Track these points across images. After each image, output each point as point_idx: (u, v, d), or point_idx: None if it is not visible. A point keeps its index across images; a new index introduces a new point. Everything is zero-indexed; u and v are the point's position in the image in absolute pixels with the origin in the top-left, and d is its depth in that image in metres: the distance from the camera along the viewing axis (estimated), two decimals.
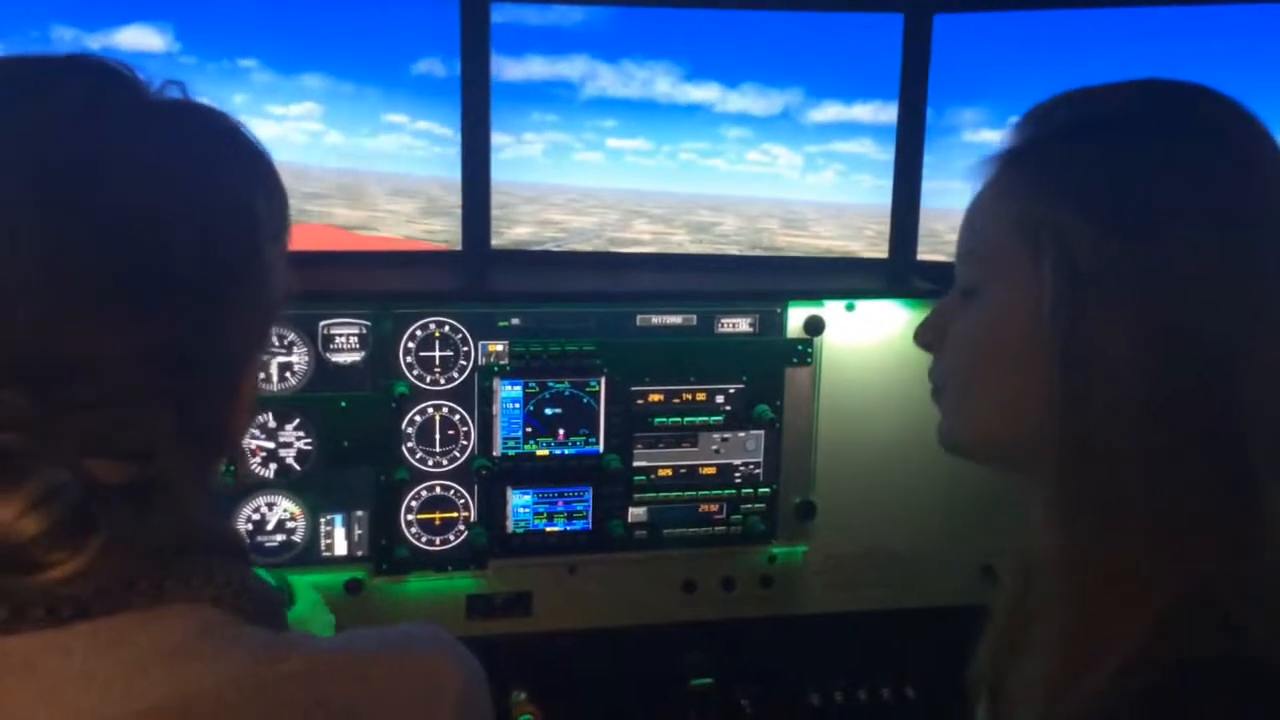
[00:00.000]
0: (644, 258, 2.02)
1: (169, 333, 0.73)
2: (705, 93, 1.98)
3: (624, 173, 2.00)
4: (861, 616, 1.95)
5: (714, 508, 1.88)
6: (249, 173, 0.82)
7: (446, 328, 1.75)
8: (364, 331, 1.72)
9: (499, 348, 1.77)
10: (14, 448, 0.66)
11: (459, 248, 1.96)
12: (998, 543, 0.93)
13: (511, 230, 1.99)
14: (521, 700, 1.78)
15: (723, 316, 1.84)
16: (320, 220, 1.91)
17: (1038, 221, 0.83)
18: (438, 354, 1.75)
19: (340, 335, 1.71)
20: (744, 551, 1.90)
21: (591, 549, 1.84)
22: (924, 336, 0.99)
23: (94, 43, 1.69)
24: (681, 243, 2.04)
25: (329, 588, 1.73)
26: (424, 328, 1.74)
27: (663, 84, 1.96)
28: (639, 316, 1.81)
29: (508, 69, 1.92)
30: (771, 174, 2.02)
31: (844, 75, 1.98)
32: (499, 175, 1.96)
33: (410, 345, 1.74)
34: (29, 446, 0.66)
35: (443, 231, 1.97)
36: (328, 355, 1.71)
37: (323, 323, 1.70)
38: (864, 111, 1.99)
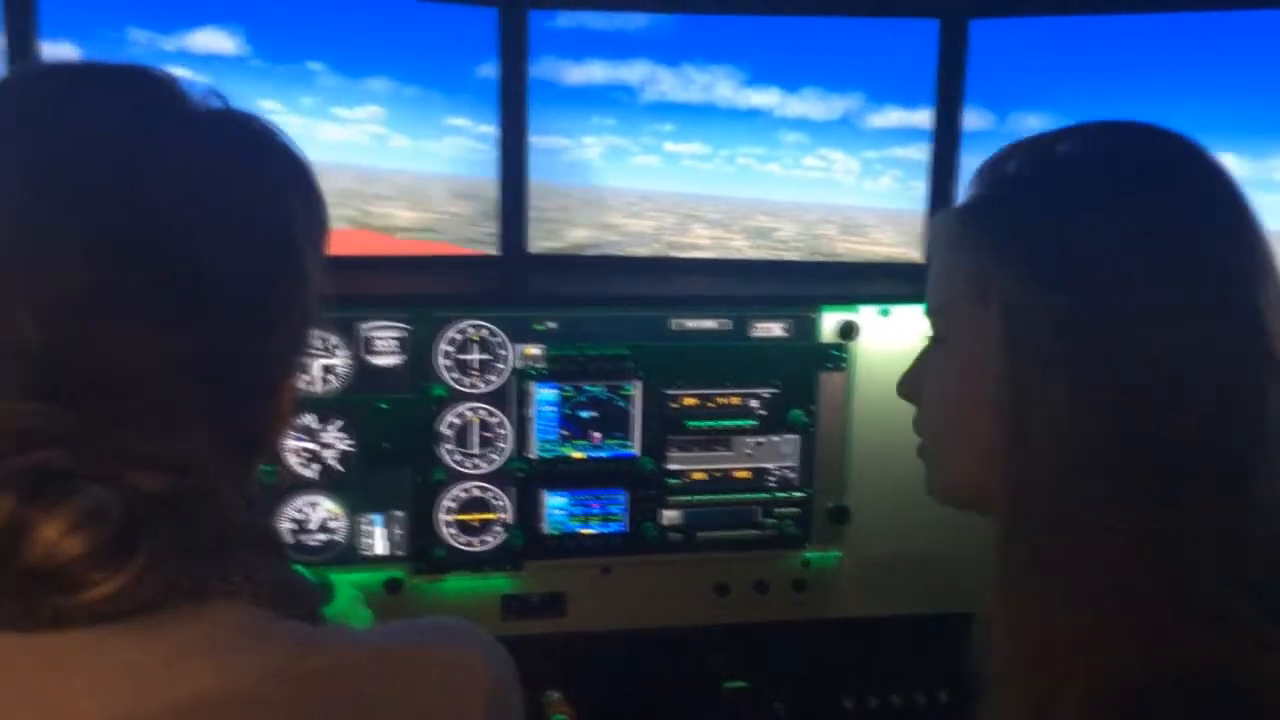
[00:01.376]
0: (680, 262, 2.04)
1: (209, 344, 0.74)
2: (765, 97, 1.98)
3: (680, 176, 2.01)
4: (895, 621, 1.95)
5: (748, 511, 1.88)
6: (287, 182, 0.83)
7: (484, 331, 1.77)
8: (403, 335, 1.75)
9: (535, 351, 1.79)
10: (57, 465, 0.66)
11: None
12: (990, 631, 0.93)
13: (571, 233, 2.01)
14: (555, 700, 1.80)
15: (757, 321, 1.85)
16: (384, 221, 1.95)
17: (986, 278, 0.87)
18: (475, 357, 1.78)
19: (380, 338, 1.74)
20: (777, 555, 1.91)
21: (626, 551, 1.86)
22: (903, 388, 1.03)
23: (168, 45, 1.74)
24: (740, 248, 2.05)
25: (368, 586, 1.76)
26: (461, 331, 1.77)
27: (723, 88, 1.97)
28: (674, 321, 1.83)
29: (569, 73, 1.95)
30: (828, 179, 2.02)
31: (906, 80, 1.97)
32: (557, 178, 1.98)
33: (448, 349, 1.76)
34: (72, 463, 0.67)
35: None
36: (368, 358, 1.74)
37: (363, 326, 1.73)
38: (924, 117, 1.99)
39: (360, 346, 1.73)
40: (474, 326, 1.77)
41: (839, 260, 2.04)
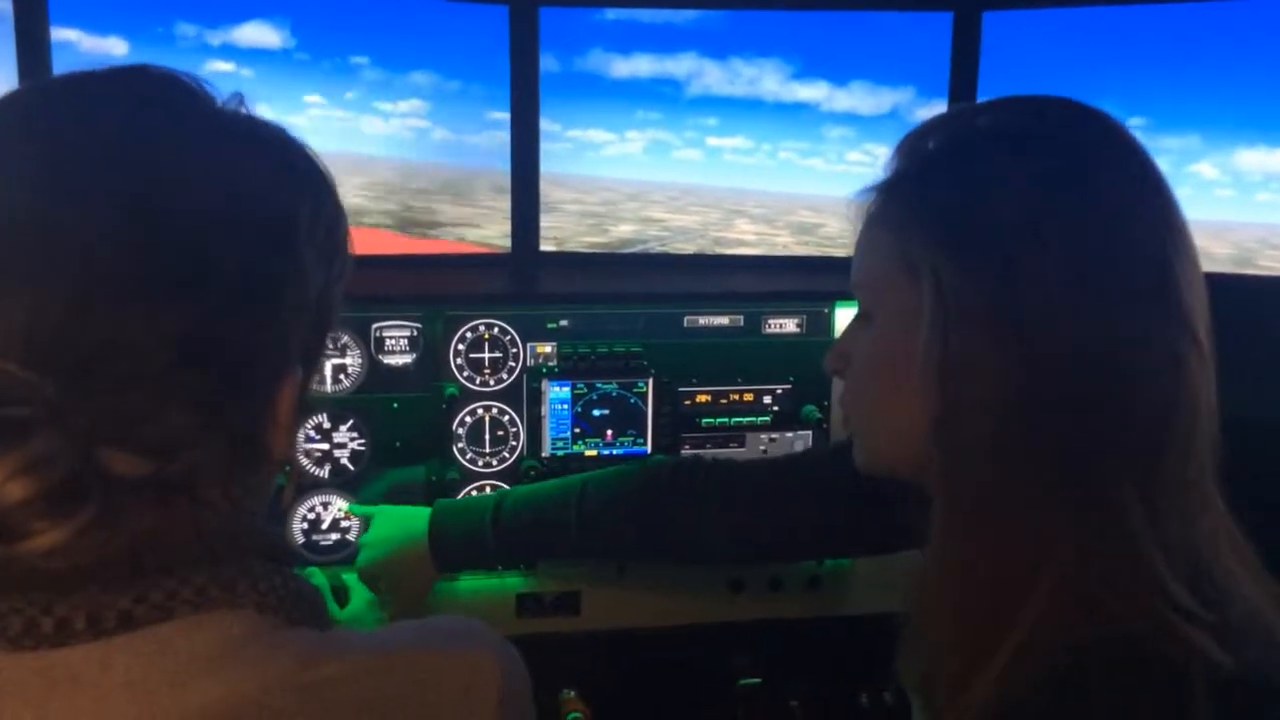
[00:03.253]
0: (692, 259, 2.03)
1: (196, 326, 0.72)
2: (812, 91, 1.98)
3: (721, 170, 2.01)
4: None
5: None
6: (290, 177, 0.81)
7: (495, 329, 1.77)
8: (415, 334, 1.75)
9: (547, 349, 1.78)
10: (18, 416, 0.65)
11: (565, 244, 1.98)
12: (920, 590, 0.94)
13: (616, 228, 2.01)
14: (570, 698, 1.80)
15: (770, 317, 1.84)
16: (426, 216, 1.95)
17: (913, 252, 0.90)
18: (487, 355, 1.77)
19: (392, 338, 1.74)
20: None
21: None
22: (832, 363, 1.04)
23: (214, 39, 1.76)
24: (786, 244, 2.04)
25: None
26: (473, 329, 1.76)
27: (770, 82, 1.96)
28: (686, 317, 1.82)
29: (615, 66, 1.95)
30: (872, 175, 2.00)
31: (993, 74, 1.96)
32: (599, 171, 1.98)
33: (460, 347, 1.76)
34: (32, 414, 0.65)
35: (550, 227, 1.99)
36: (380, 357, 1.74)
37: (375, 325, 1.73)
38: None
39: (372, 345, 1.73)
40: (486, 325, 1.76)
41: (839, 255, 2.03)
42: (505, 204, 1.99)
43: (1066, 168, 0.87)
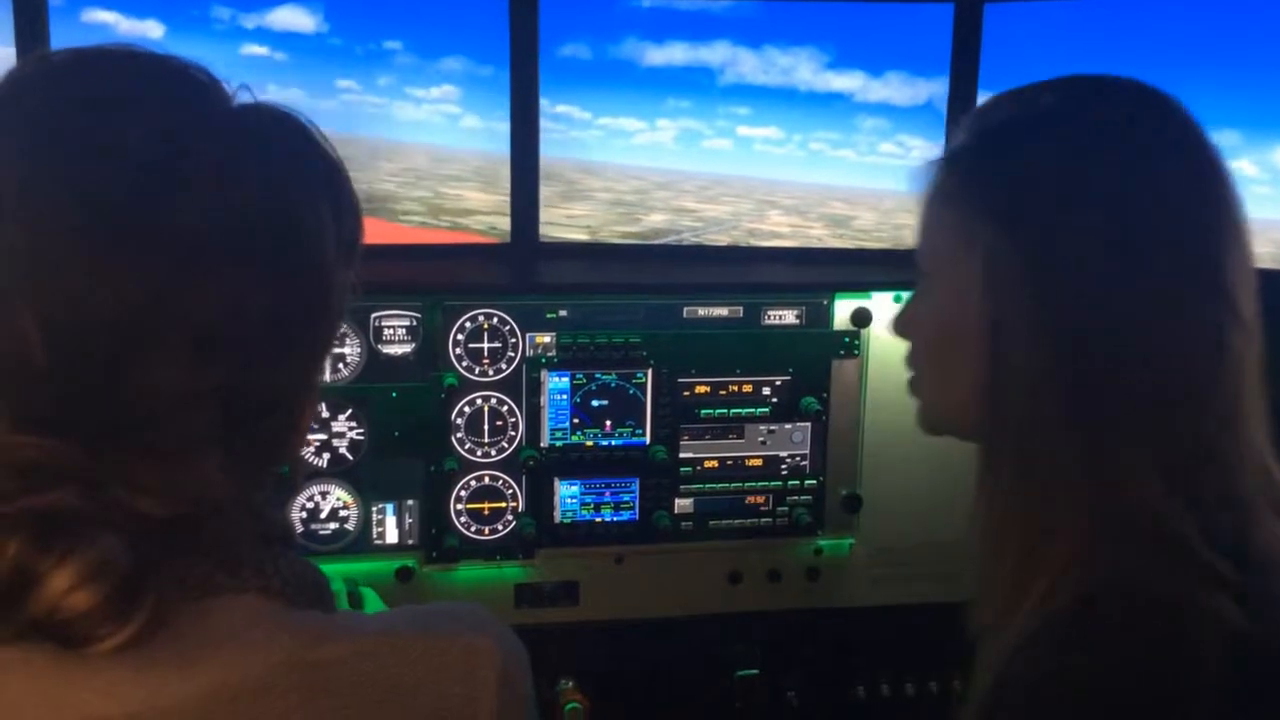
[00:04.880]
0: (693, 250, 2.03)
1: (231, 375, 0.72)
2: (847, 81, 1.96)
3: (751, 160, 2.00)
4: (908, 610, 1.95)
5: (760, 499, 1.88)
6: (319, 195, 0.79)
7: (495, 320, 1.77)
8: (414, 323, 1.74)
9: (546, 339, 1.78)
10: (67, 507, 0.64)
11: (601, 234, 1.99)
12: (976, 534, 0.98)
13: (648, 217, 2.00)
14: (569, 688, 1.80)
15: (769, 308, 1.84)
16: (455, 203, 1.95)
17: (967, 223, 0.94)
18: (486, 345, 1.77)
19: (391, 327, 1.74)
20: (790, 543, 1.90)
21: (638, 540, 1.86)
22: (897, 326, 1.09)
23: (248, 23, 1.77)
24: (821, 237, 2.03)
25: (380, 575, 1.76)
26: (473, 320, 1.76)
27: (804, 71, 1.95)
28: (685, 309, 1.82)
29: (649, 54, 1.94)
30: (904, 166, 2.00)
31: (1000, 66, 1.94)
32: (630, 160, 1.97)
33: (459, 337, 1.76)
34: (81, 502, 0.65)
35: (584, 216, 1.99)
36: (379, 347, 1.73)
37: (374, 315, 1.73)
38: None
39: (371, 335, 1.73)
40: (485, 314, 1.76)
41: (839, 247, 2.03)
42: (540, 190, 1.98)
43: (1115, 145, 0.91)
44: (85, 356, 0.68)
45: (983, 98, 1.92)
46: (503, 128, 1.93)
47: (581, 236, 2.01)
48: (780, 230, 2.02)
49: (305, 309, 0.77)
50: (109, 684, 0.68)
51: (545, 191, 1.98)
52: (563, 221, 2.00)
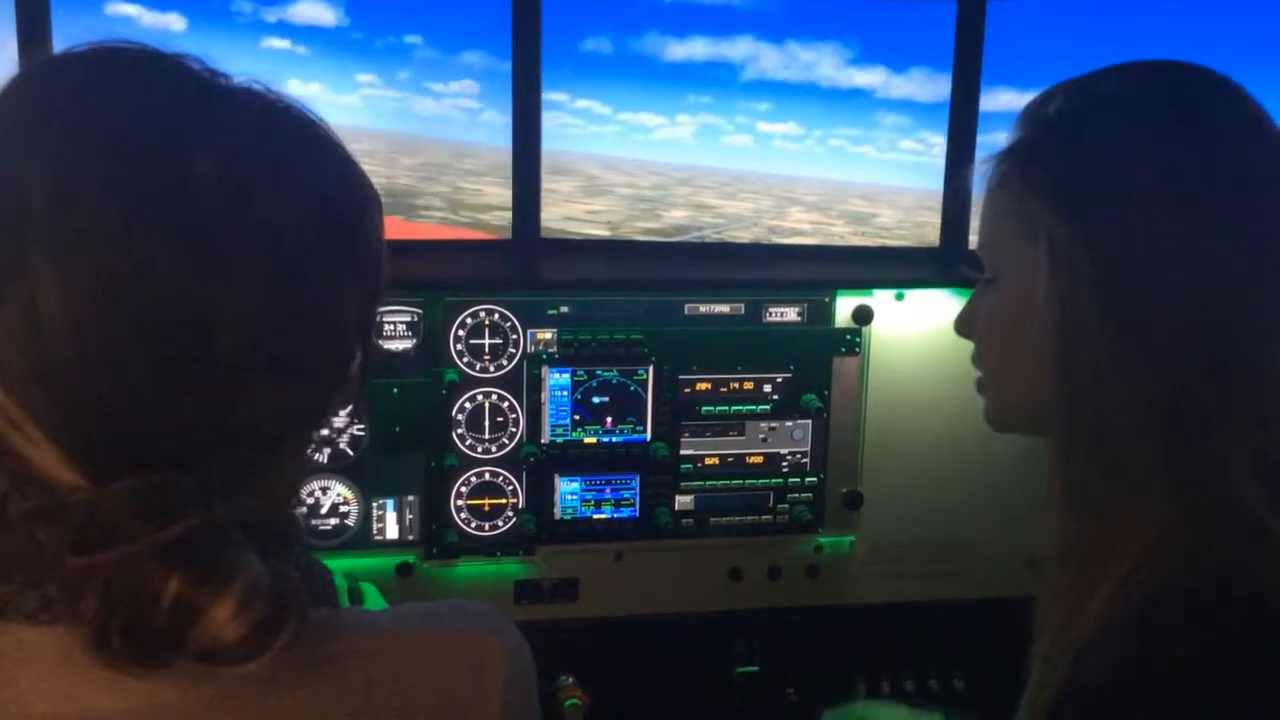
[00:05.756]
0: (694, 246, 2.02)
1: (315, 394, 0.76)
2: (870, 77, 1.95)
3: (770, 156, 1.99)
4: (908, 607, 1.95)
5: (761, 497, 1.88)
6: (369, 208, 0.81)
7: (496, 315, 1.76)
8: (415, 319, 1.74)
9: (547, 336, 1.78)
10: (203, 537, 0.65)
11: (622, 230, 1.98)
12: (1045, 534, 0.97)
13: (669, 213, 2.00)
14: (568, 685, 1.80)
15: (771, 306, 1.84)
16: (474, 199, 1.94)
17: (1031, 215, 0.93)
18: (487, 342, 1.77)
19: (392, 323, 1.74)
20: (790, 541, 1.90)
21: (638, 536, 1.86)
22: (960, 325, 1.08)
23: (269, 16, 1.77)
24: (843, 234, 2.02)
25: (380, 571, 1.76)
26: (474, 315, 1.76)
27: (826, 66, 1.93)
28: (687, 305, 1.82)
29: (670, 49, 1.93)
30: (924, 163, 1.98)
31: (1025, 61, 1.93)
32: (649, 156, 1.97)
33: (460, 333, 1.76)
34: (213, 533, 0.66)
35: (606, 211, 1.98)
36: (380, 342, 1.73)
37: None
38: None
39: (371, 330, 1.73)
40: (486, 310, 1.76)
41: (842, 244, 2.03)
42: (560, 186, 1.97)
43: (1191, 127, 0.90)
44: (194, 385, 0.68)
45: (985, 98, 1.94)
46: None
47: (603, 232, 2.00)
48: (801, 227, 2.01)
49: (372, 316, 0.81)
50: (113, 678, 0.68)
51: (566, 186, 1.97)
52: (583, 217, 1.99)
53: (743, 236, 2.02)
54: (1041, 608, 0.96)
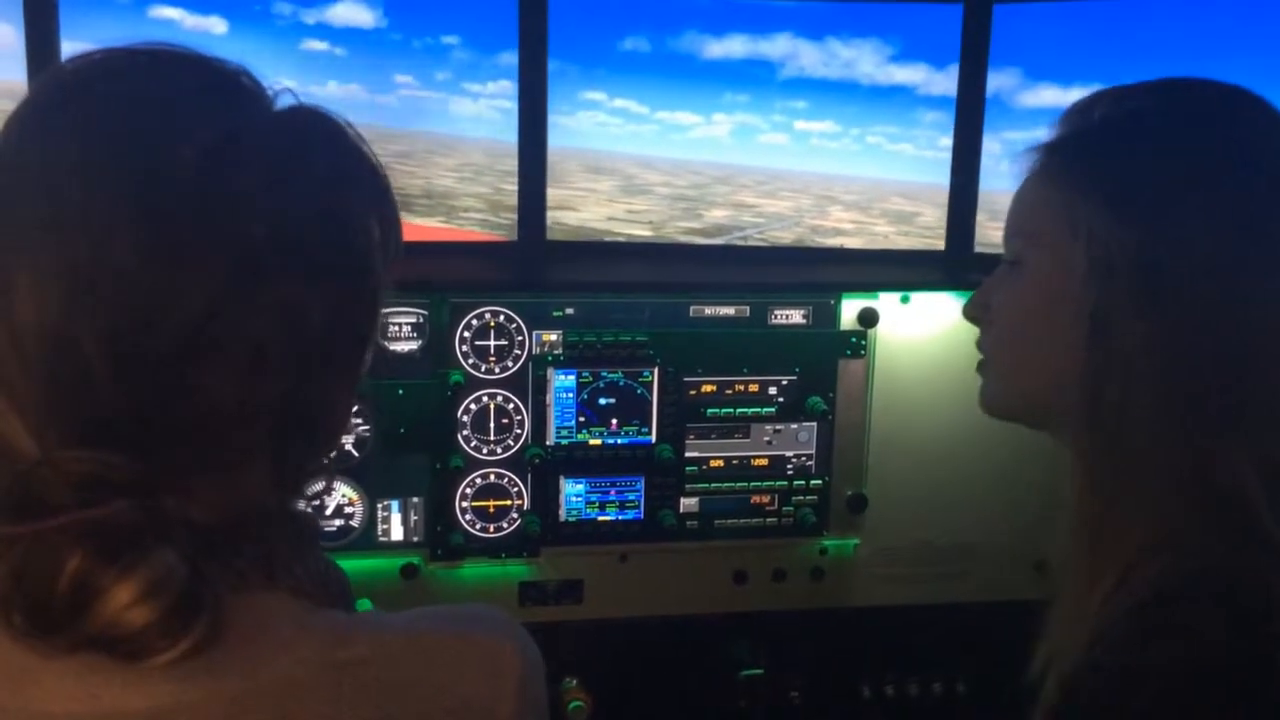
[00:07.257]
0: (698, 249, 2.02)
1: (287, 386, 0.73)
2: (910, 74, 1.94)
3: (806, 154, 1.98)
4: (913, 610, 1.94)
5: (765, 499, 1.88)
6: (369, 209, 0.80)
7: (501, 317, 1.77)
8: (420, 320, 1.75)
9: (553, 337, 1.78)
10: (125, 520, 0.65)
11: (662, 230, 1.98)
12: (1051, 538, 0.97)
13: (709, 212, 1.99)
14: (572, 687, 1.80)
15: (776, 308, 1.84)
16: (513, 200, 1.95)
17: (1075, 208, 0.94)
18: (493, 343, 1.77)
19: (397, 324, 1.74)
20: (795, 543, 1.90)
21: (643, 538, 1.86)
22: (971, 310, 1.08)
23: (309, 18, 1.78)
24: (887, 234, 2.01)
25: (385, 572, 1.77)
26: (479, 317, 1.76)
27: (866, 64, 1.93)
28: (692, 307, 1.82)
29: (709, 47, 1.93)
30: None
31: (1065, 58, 1.91)
32: (685, 154, 1.96)
33: (466, 334, 1.76)
34: (139, 518, 0.65)
35: (645, 210, 1.98)
36: (385, 343, 1.73)
37: (381, 311, 1.72)
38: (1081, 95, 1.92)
39: (377, 332, 1.73)
40: (492, 312, 1.76)
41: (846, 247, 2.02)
42: (599, 185, 1.96)
43: (1222, 142, 0.93)
44: (145, 369, 0.68)
45: (988, 96, 1.94)
46: (564, 122, 1.92)
47: (645, 232, 2.00)
48: (844, 227, 2.00)
49: (355, 318, 0.79)
50: (137, 678, 0.68)
51: (604, 186, 1.97)
52: (625, 216, 1.98)
53: (784, 237, 2.01)
54: (1049, 610, 0.97)
